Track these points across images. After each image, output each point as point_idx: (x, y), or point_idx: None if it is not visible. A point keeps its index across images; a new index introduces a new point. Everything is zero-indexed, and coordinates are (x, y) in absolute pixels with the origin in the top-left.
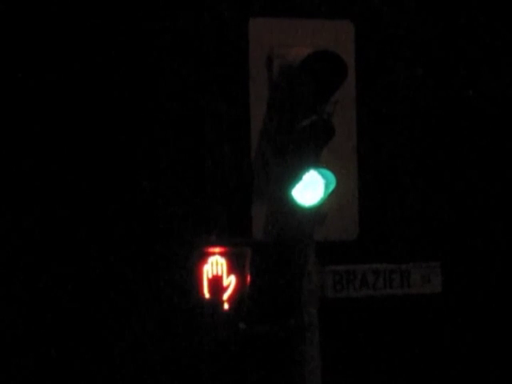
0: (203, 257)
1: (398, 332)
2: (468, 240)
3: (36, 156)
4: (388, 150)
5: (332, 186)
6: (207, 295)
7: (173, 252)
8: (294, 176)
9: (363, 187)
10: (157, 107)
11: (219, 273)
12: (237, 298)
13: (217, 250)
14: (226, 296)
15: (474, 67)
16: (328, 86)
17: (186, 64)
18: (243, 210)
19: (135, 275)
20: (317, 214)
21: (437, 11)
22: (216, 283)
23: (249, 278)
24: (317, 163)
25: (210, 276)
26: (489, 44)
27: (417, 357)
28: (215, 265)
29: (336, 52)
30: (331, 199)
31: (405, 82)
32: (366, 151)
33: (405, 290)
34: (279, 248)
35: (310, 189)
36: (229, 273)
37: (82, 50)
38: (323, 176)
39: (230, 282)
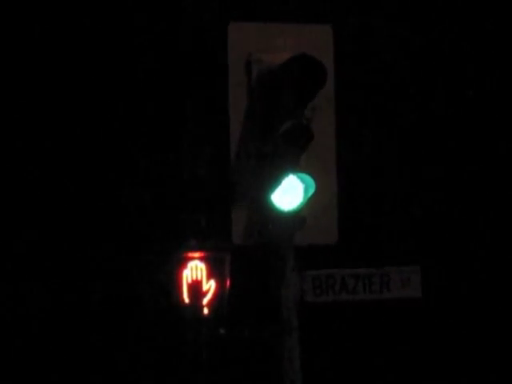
0: (183, 262)
1: (378, 336)
2: (448, 244)
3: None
4: (367, 154)
5: (311, 191)
6: (187, 300)
7: (152, 257)
8: (273, 181)
9: (342, 192)
10: (134, 112)
11: (199, 277)
12: (216, 302)
13: (196, 254)
14: (205, 301)
15: (454, 72)
16: (307, 90)
17: (165, 69)
18: (223, 214)
19: (118, 281)
20: (296, 218)
21: (419, 15)
22: (196, 288)
23: (228, 283)
24: (296, 168)
25: (190, 281)
26: (471, 51)
27: (397, 361)
28: (195, 270)
29: (315, 57)
30: (310, 204)
31: (385, 86)
32: (345, 155)
33: (384, 294)
34: (259, 253)
35: (290, 193)
36: (208, 277)
37: (61, 58)
38: (302, 180)
39: (210, 286)
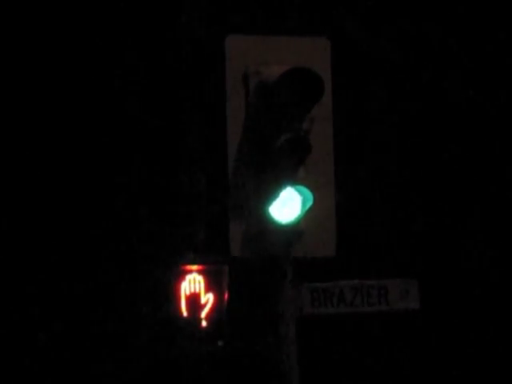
0: (181, 274)
1: (377, 348)
2: (446, 256)
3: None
4: (365, 166)
5: (309, 203)
6: (185, 313)
7: (150, 270)
8: (271, 193)
9: (341, 204)
10: (132, 125)
11: (197, 290)
12: (214, 315)
13: (194, 267)
14: (203, 313)
15: (449, 84)
16: (304, 103)
17: (162, 81)
18: (221, 227)
19: (115, 293)
20: (294, 230)
21: (412, 29)
22: (194, 301)
23: (226, 295)
24: (294, 180)
25: (188, 293)
26: (465, 62)
27: (395, 373)
28: (193, 282)
29: (312, 69)
30: (308, 216)
31: (382, 99)
32: (343, 168)
33: (383, 306)
34: (257, 265)
35: (287, 206)
36: (206, 290)
37: (56, 70)
38: (300, 193)
39: (208, 299)
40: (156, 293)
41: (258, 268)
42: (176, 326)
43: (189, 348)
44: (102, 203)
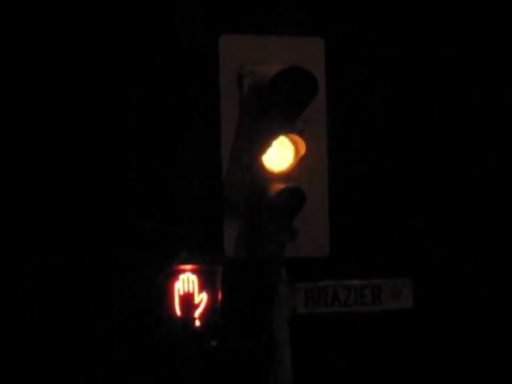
0: (174, 274)
1: (370, 348)
2: (439, 256)
3: None
4: (359, 166)
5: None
6: (178, 312)
7: (144, 269)
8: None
9: (334, 204)
10: (126, 125)
11: (190, 290)
12: (208, 314)
13: (188, 267)
14: (197, 313)
15: (443, 83)
16: (298, 102)
17: (157, 81)
18: (215, 227)
19: (109, 293)
20: (288, 230)
21: (407, 27)
22: (187, 300)
23: (220, 295)
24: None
25: (182, 293)
26: (457, 62)
27: (388, 373)
28: (186, 282)
29: (306, 68)
30: (302, 216)
31: (376, 98)
32: (336, 167)
33: (376, 306)
34: (250, 265)
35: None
36: (200, 290)
37: (48, 70)
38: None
39: (202, 299)
40: (150, 292)
41: (251, 268)
42: (169, 326)
43: (182, 348)
44: (96, 202)
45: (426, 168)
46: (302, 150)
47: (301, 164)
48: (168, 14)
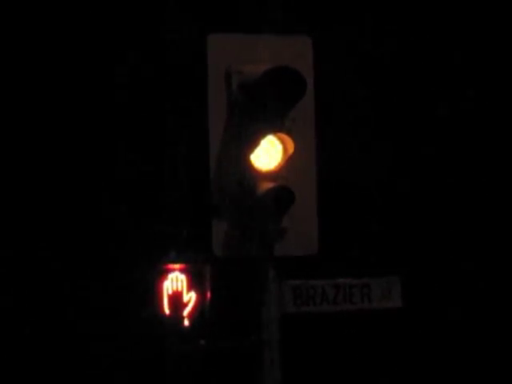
0: (163, 273)
1: (359, 347)
2: (428, 255)
3: None
4: (347, 165)
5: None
6: (167, 311)
7: (132, 269)
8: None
9: (322, 202)
10: (114, 124)
11: (179, 289)
12: (197, 313)
13: (177, 266)
14: (186, 312)
15: (433, 81)
16: (286, 101)
17: (144, 81)
18: (203, 226)
19: (98, 293)
20: (276, 229)
21: (396, 26)
22: (176, 299)
23: (209, 294)
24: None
25: (170, 292)
26: (447, 61)
27: (378, 371)
28: (175, 281)
29: (294, 67)
30: (290, 215)
31: (364, 97)
32: (324, 166)
33: (365, 304)
34: (239, 264)
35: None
36: (189, 289)
37: (39, 70)
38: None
39: (190, 298)
40: (138, 291)
41: (239, 267)
42: (158, 325)
43: (171, 347)
44: (83, 202)
45: (415, 166)
46: (291, 148)
47: (289, 163)
48: (156, 14)
